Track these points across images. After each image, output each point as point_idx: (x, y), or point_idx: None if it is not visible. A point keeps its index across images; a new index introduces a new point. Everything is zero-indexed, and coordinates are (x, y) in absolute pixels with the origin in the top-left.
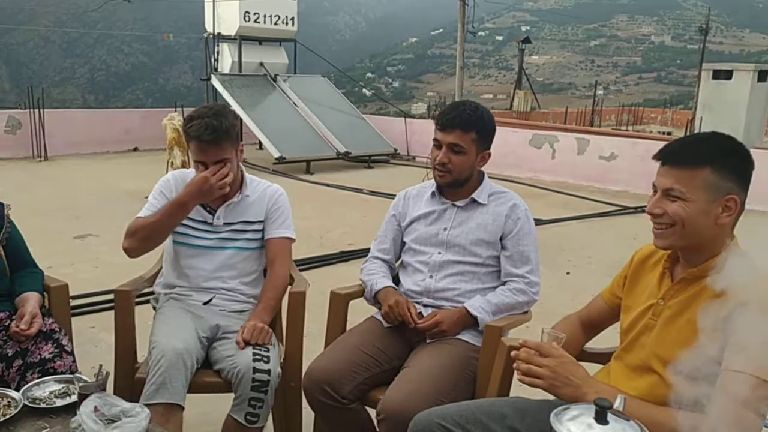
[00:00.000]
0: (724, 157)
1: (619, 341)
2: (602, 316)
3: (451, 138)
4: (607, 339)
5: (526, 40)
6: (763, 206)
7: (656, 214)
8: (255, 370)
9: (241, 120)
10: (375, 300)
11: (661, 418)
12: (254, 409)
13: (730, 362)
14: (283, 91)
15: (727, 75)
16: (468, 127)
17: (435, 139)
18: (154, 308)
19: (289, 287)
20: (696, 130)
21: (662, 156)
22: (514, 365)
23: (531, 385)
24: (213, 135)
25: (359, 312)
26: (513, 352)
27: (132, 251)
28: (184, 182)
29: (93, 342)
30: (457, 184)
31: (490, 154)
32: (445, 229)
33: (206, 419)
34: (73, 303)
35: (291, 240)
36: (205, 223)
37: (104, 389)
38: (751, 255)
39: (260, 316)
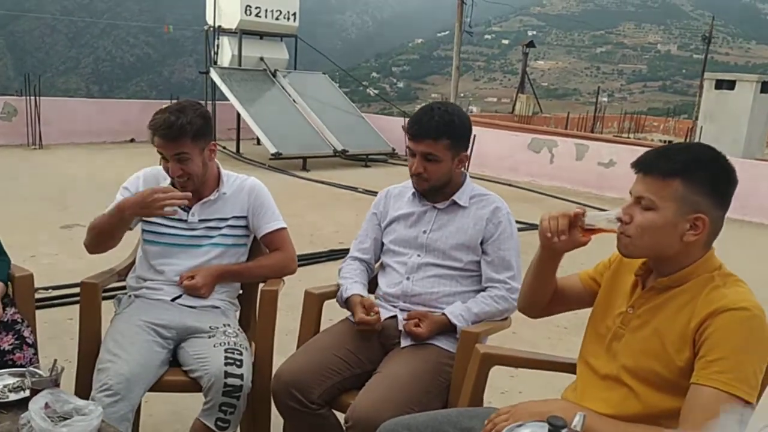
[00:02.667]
0: (698, 169)
1: (585, 334)
2: (572, 294)
3: (423, 147)
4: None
5: (530, 44)
6: (761, 218)
7: (624, 221)
8: (227, 375)
9: (212, 118)
10: (346, 306)
11: None
12: (225, 415)
13: (699, 376)
14: (282, 86)
15: (730, 85)
16: (438, 135)
17: (408, 147)
18: (115, 311)
19: (261, 285)
20: (697, 140)
21: (638, 164)
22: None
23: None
24: (167, 130)
25: (338, 312)
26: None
27: (89, 249)
28: (155, 179)
29: (69, 334)
30: (435, 190)
31: (467, 156)
32: (424, 231)
33: (176, 417)
34: (54, 293)
35: (285, 229)
36: (179, 220)
37: (58, 385)
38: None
39: (216, 271)
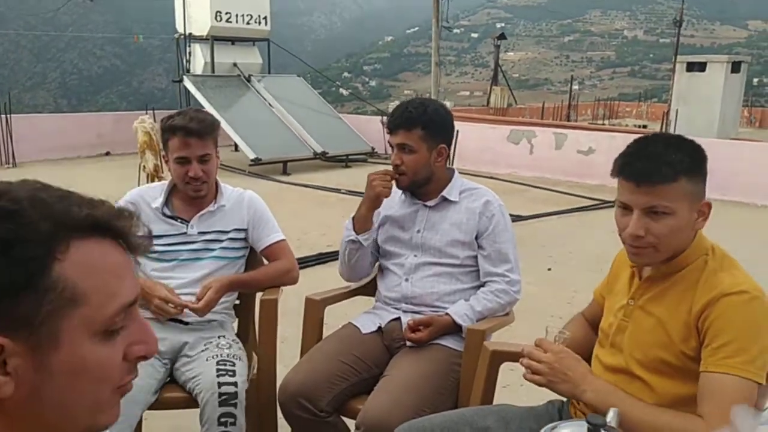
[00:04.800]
0: (695, 164)
1: (597, 342)
2: (599, 317)
3: (399, 139)
4: None
5: (501, 37)
6: (742, 197)
7: (640, 236)
8: (220, 384)
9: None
10: (353, 226)
11: (661, 425)
12: (226, 427)
13: (708, 363)
14: (257, 91)
15: (701, 67)
16: (411, 125)
17: (389, 143)
18: None
19: (260, 294)
20: (672, 123)
21: (631, 175)
22: (519, 360)
23: (532, 381)
24: (200, 125)
25: (338, 317)
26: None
27: None
28: (146, 201)
29: None
30: (416, 186)
31: (446, 149)
32: (418, 231)
33: None
34: None
35: (285, 240)
36: (177, 235)
37: None
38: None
39: (227, 280)
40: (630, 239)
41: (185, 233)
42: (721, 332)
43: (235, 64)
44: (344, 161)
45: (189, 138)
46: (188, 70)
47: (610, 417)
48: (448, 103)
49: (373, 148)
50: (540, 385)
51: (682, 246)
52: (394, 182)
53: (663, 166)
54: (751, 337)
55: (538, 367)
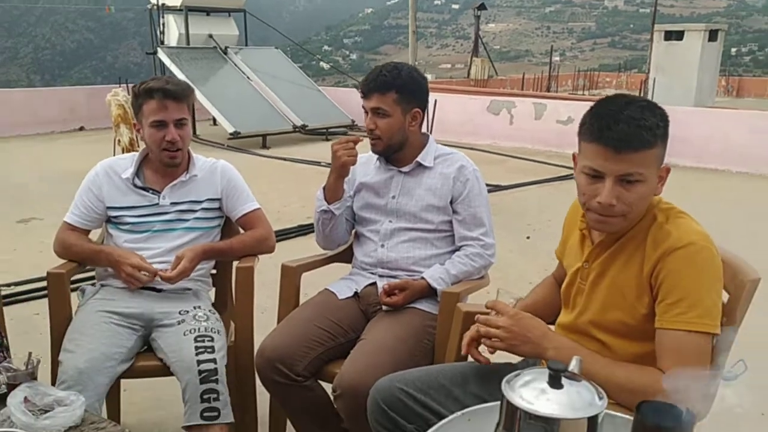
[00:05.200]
0: (666, 128)
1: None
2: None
3: (373, 103)
4: None
5: (482, 7)
6: (718, 165)
7: (613, 205)
8: (199, 362)
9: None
10: (324, 196)
11: (620, 378)
12: (210, 402)
13: (663, 320)
14: (234, 63)
15: (679, 36)
16: (385, 88)
17: (363, 107)
18: (79, 302)
19: (236, 263)
20: (650, 92)
21: (611, 141)
22: (473, 328)
23: (492, 347)
24: (177, 87)
25: (313, 285)
26: (476, 317)
27: (60, 257)
28: (116, 172)
29: (38, 329)
30: (391, 150)
31: (420, 113)
32: (393, 197)
33: (159, 404)
34: (16, 290)
35: (260, 209)
36: (149, 206)
37: (35, 378)
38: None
39: (201, 249)
40: (600, 208)
41: (157, 204)
42: (674, 288)
43: (210, 36)
44: (324, 134)
45: (166, 100)
46: (162, 42)
47: (573, 365)
48: (429, 76)
49: (353, 121)
50: (501, 350)
51: (645, 212)
52: (370, 145)
53: (643, 131)
54: (703, 290)
55: (497, 332)
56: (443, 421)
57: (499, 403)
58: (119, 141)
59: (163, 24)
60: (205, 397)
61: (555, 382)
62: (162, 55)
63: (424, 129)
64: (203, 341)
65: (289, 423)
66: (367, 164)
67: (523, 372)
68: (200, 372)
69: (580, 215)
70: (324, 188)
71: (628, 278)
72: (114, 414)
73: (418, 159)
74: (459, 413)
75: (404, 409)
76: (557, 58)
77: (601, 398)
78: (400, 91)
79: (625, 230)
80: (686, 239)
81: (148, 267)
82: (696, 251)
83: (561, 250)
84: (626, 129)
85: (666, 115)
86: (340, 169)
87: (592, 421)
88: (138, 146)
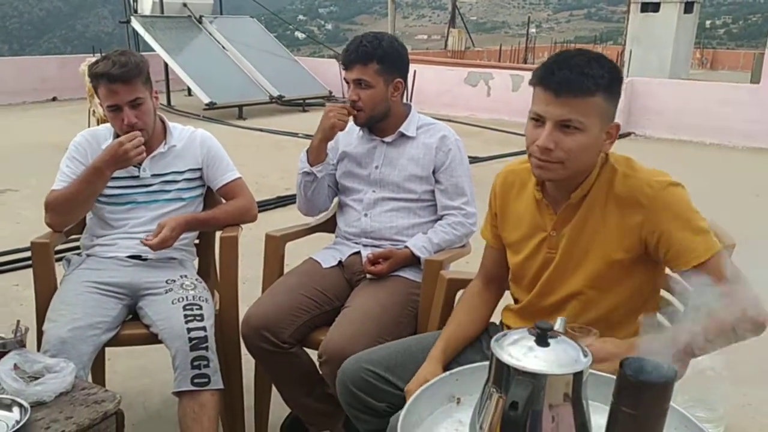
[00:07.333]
0: (613, 82)
1: (511, 284)
2: (501, 264)
3: (355, 74)
4: None
5: None
6: (692, 136)
7: (550, 149)
8: (189, 330)
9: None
10: (307, 158)
11: (722, 322)
12: (200, 369)
13: (681, 263)
14: (209, 33)
15: (655, 7)
16: (366, 59)
17: (345, 80)
18: (65, 272)
19: (219, 233)
20: (626, 65)
21: (552, 84)
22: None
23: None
24: (122, 69)
25: (297, 255)
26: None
27: (57, 226)
28: (97, 141)
29: (18, 300)
30: (374, 121)
31: (402, 83)
32: (376, 167)
33: (144, 372)
34: None
35: (241, 178)
36: (131, 178)
37: (24, 345)
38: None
39: (183, 219)
40: (538, 152)
41: (138, 176)
42: (674, 237)
43: (185, 5)
44: (301, 105)
45: (113, 84)
46: (136, 11)
47: (558, 324)
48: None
49: (330, 92)
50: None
51: (589, 166)
52: (351, 118)
53: (584, 78)
54: (693, 219)
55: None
56: (432, 381)
57: (485, 363)
58: (94, 112)
59: None
60: (196, 363)
61: (542, 341)
62: (136, 24)
63: (404, 100)
64: (192, 309)
65: (274, 390)
66: (349, 134)
67: (509, 332)
68: (190, 339)
69: (520, 185)
70: (307, 151)
71: (607, 233)
72: (99, 382)
73: (401, 129)
74: (447, 373)
75: (372, 389)
76: (533, 30)
77: (585, 355)
78: (382, 61)
79: (586, 190)
80: (658, 187)
81: (129, 135)
82: (671, 193)
83: (490, 229)
84: (568, 74)
85: (617, 70)
86: (328, 130)
87: (578, 376)
88: None
